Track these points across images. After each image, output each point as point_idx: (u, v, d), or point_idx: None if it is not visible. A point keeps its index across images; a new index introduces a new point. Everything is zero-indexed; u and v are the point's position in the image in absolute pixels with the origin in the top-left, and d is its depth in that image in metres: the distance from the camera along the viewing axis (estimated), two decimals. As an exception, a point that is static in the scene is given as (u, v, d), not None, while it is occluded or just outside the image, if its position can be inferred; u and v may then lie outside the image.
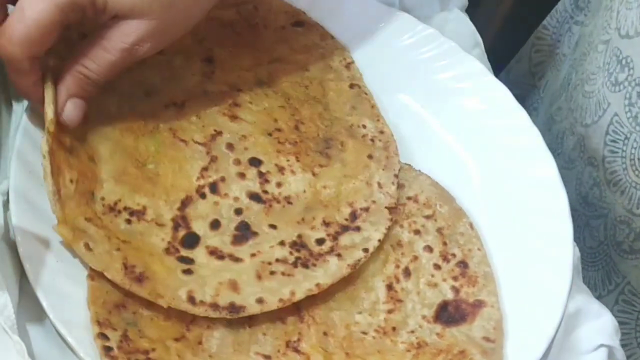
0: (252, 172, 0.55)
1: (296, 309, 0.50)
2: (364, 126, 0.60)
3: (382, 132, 0.60)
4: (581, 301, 0.56)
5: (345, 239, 0.53)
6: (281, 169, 0.55)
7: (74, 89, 0.51)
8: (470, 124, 0.62)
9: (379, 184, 0.56)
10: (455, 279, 0.53)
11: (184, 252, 0.50)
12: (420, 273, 0.54)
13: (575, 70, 0.75)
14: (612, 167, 0.67)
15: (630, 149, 0.65)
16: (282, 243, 0.52)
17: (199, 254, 0.50)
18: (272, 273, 0.50)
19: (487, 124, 0.62)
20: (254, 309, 0.48)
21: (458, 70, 0.64)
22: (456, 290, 0.53)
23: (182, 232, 0.51)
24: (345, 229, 0.53)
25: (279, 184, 0.55)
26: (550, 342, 0.51)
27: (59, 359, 0.46)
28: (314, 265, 0.51)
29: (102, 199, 0.51)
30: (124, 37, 0.50)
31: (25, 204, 0.49)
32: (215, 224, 0.52)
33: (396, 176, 0.57)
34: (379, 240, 0.53)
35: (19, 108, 0.55)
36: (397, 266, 0.54)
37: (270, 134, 0.57)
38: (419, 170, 0.59)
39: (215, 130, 0.56)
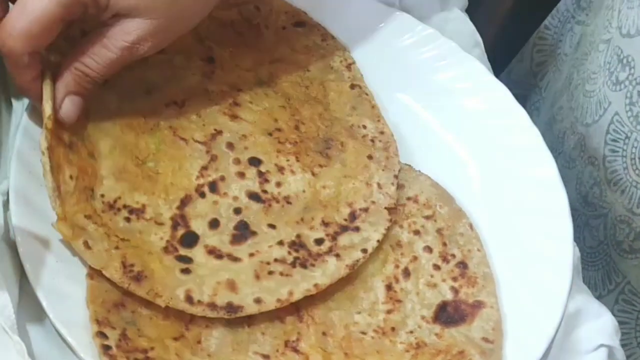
0: (251, 171, 0.55)
1: (295, 308, 0.50)
2: (364, 126, 0.60)
3: (382, 133, 0.60)
4: (581, 301, 0.56)
5: (344, 239, 0.53)
6: (281, 169, 0.55)
7: (73, 85, 0.51)
8: (470, 124, 0.62)
9: (378, 184, 0.56)
10: (454, 279, 0.54)
11: (182, 251, 0.50)
12: (420, 273, 0.54)
13: (577, 70, 0.75)
14: (612, 166, 0.67)
15: (631, 149, 0.65)
16: (280, 243, 0.52)
17: (197, 253, 0.50)
18: (270, 273, 0.50)
19: (487, 124, 0.62)
20: (251, 309, 0.48)
21: (458, 70, 0.64)
22: (455, 290, 0.53)
23: (181, 231, 0.51)
24: (344, 229, 0.53)
25: (278, 184, 0.55)
26: (550, 342, 0.51)
27: (59, 359, 0.46)
28: (313, 265, 0.51)
29: (102, 196, 0.51)
30: (125, 35, 0.50)
31: (25, 204, 0.49)
32: (214, 223, 0.52)
33: (396, 177, 0.57)
34: (378, 241, 0.53)
35: (19, 107, 0.55)
36: (397, 266, 0.54)
37: (270, 134, 0.57)
38: (419, 171, 0.59)
39: (215, 130, 0.56)
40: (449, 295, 0.53)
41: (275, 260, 0.51)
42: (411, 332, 0.51)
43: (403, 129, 0.61)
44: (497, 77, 0.64)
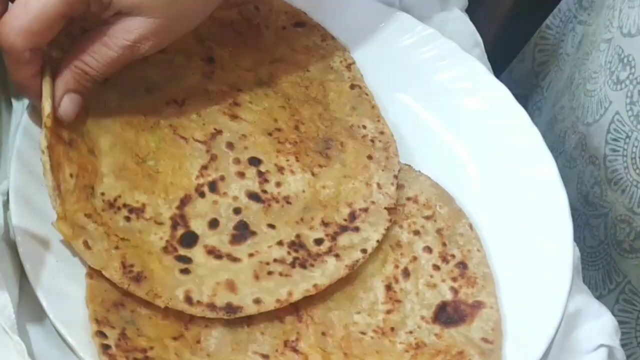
0: (251, 171, 0.55)
1: (294, 308, 0.50)
2: (364, 127, 0.60)
3: (382, 133, 0.60)
4: (581, 301, 0.56)
5: (343, 240, 0.53)
6: (281, 169, 0.55)
7: (72, 83, 0.51)
8: (470, 124, 0.62)
9: (378, 184, 0.56)
10: (454, 279, 0.54)
11: (182, 251, 0.50)
12: (420, 274, 0.54)
13: (578, 70, 0.75)
14: (613, 165, 0.67)
15: (632, 148, 0.65)
16: (280, 243, 0.52)
17: (197, 253, 0.50)
18: (269, 273, 0.50)
19: (487, 124, 0.62)
20: (251, 309, 0.48)
21: (458, 70, 0.64)
22: (455, 291, 0.53)
23: (180, 231, 0.51)
24: (344, 229, 0.53)
25: (278, 184, 0.55)
26: (550, 342, 0.51)
27: (59, 359, 0.46)
28: (312, 265, 0.51)
29: (102, 194, 0.51)
30: (126, 34, 0.50)
31: (25, 204, 0.49)
32: (213, 223, 0.52)
33: (396, 177, 0.57)
34: (378, 241, 0.53)
35: (19, 107, 0.55)
36: (396, 266, 0.54)
37: (270, 134, 0.57)
38: (419, 171, 0.59)
39: (215, 129, 0.56)
40: (449, 296, 0.53)
41: (275, 260, 0.51)
42: (411, 332, 0.51)
43: (403, 129, 0.61)
44: (497, 77, 0.64)
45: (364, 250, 0.52)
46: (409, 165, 0.59)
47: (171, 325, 0.48)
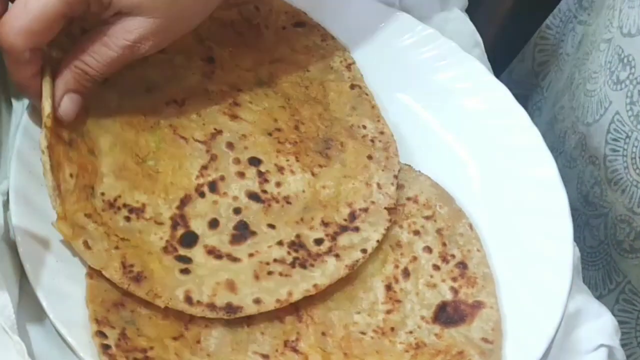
0: (251, 171, 0.55)
1: (294, 308, 0.50)
2: (364, 127, 0.60)
3: (382, 133, 0.60)
4: (581, 301, 0.56)
5: (343, 240, 0.53)
6: (281, 169, 0.55)
7: (72, 83, 0.51)
8: (470, 124, 0.62)
9: (378, 184, 0.56)
10: (454, 279, 0.54)
11: (182, 251, 0.50)
12: (420, 274, 0.54)
13: (578, 70, 0.75)
14: (613, 165, 0.67)
15: (632, 148, 0.65)
16: (280, 243, 0.52)
17: (197, 253, 0.50)
18: (269, 273, 0.50)
19: (487, 124, 0.62)
20: (251, 309, 0.48)
21: (458, 70, 0.64)
22: (455, 291, 0.53)
23: (180, 231, 0.51)
24: (344, 229, 0.53)
25: (278, 184, 0.55)
26: (550, 342, 0.51)
27: (59, 359, 0.46)
28: (312, 265, 0.51)
29: (102, 194, 0.51)
30: (126, 34, 0.50)
31: (25, 204, 0.49)
32: (213, 223, 0.52)
33: (396, 177, 0.57)
34: (378, 241, 0.53)
35: (19, 107, 0.55)
36: (396, 266, 0.54)
37: (270, 134, 0.57)
38: (419, 171, 0.59)
39: (215, 129, 0.56)
40: (449, 296, 0.53)
41: (275, 260, 0.51)
42: (411, 332, 0.51)
43: (403, 129, 0.61)
44: (497, 77, 0.64)
45: (364, 250, 0.52)
46: (409, 165, 0.59)
47: (171, 325, 0.48)
